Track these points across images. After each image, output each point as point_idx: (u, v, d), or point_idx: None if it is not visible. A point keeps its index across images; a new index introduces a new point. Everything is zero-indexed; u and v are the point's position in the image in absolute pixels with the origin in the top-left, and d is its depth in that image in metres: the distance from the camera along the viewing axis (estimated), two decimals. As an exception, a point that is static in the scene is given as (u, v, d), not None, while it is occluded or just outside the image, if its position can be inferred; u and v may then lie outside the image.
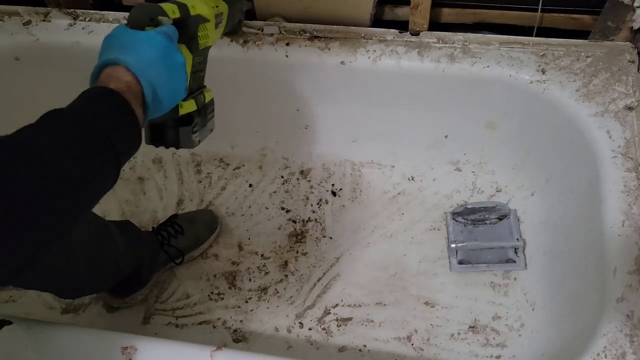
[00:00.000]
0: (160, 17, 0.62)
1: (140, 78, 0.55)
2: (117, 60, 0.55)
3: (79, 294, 1.05)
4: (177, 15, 0.65)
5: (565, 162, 1.05)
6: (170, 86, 0.60)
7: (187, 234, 1.15)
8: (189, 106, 0.68)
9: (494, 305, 1.08)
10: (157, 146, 0.69)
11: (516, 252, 1.11)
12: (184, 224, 1.16)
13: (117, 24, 0.62)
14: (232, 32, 0.87)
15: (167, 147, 0.69)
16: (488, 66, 1.05)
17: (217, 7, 0.76)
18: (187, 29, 0.67)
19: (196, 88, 0.71)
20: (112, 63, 0.55)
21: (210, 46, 0.74)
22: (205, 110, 0.72)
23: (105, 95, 0.52)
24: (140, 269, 1.06)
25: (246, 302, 1.14)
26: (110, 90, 0.52)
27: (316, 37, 1.11)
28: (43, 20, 1.17)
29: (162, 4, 0.64)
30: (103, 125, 0.50)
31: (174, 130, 0.68)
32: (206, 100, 0.72)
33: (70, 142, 0.47)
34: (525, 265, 1.10)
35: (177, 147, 0.69)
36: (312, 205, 1.25)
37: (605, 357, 0.75)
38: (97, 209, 0.96)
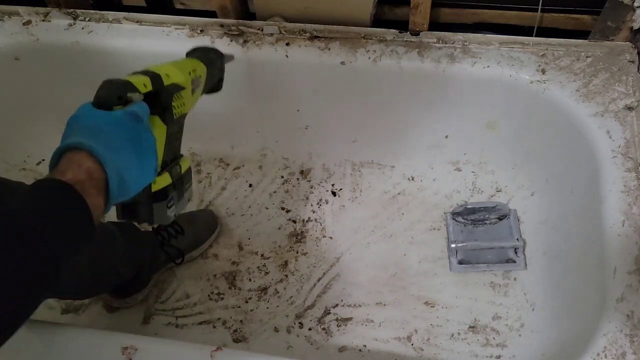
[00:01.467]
0: (130, 95, 0.57)
1: (105, 165, 0.50)
2: (79, 145, 0.50)
3: (79, 297, 1.06)
4: (150, 88, 0.61)
5: (565, 162, 1.05)
6: (138, 170, 0.56)
7: (187, 234, 1.15)
8: (163, 180, 0.63)
9: (494, 305, 1.08)
10: (127, 221, 0.64)
11: (516, 252, 1.11)
12: (184, 224, 1.16)
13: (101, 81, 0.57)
14: (212, 90, 0.83)
15: (139, 224, 0.64)
16: (488, 66, 1.05)
17: (194, 71, 0.72)
18: (160, 100, 0.63)
19: (171, 159, 0.66)
20: (75, 148, 0.50)
21: (187, 113, 0.69)
22: (181, 182, 0.67)
23: (53, 190, 0.47)
24: (140, 270, 1.06)
25: (246, 302, 1.14)
26: (60, 185, 0.47)
27: (316, 37, 1.11)
28: (43, 20, 1.17)
29: (132, 77, 0.60)
30: (42, 228, 0.44)
31: (146, 206, 0.62)
32: (182, 171, 0.67)
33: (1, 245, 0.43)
34: (525, 265, 1.10)
35: (151, 224, 0.64)
36: (312, 205, 1.25)
37: (605, 357, 0.75)
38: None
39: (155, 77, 0.62)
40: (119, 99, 0.56)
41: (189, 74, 0.70)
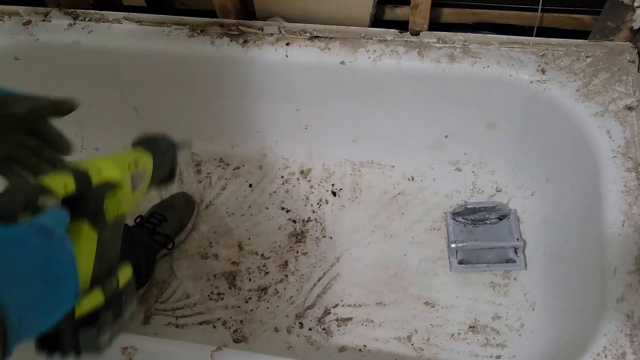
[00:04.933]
0: (40, 201, 0.44)
1: None
2: None
3: None
4: (72, 189, 0.49)
5: (565, 162, 1.05)
6: (47, 302, 0.42)
7: (171, 220, 1.18)
8: (92, 301, 0.49)
9: (494, 305, 1.08)
10: (48, 356, 0.49)
11: (516, 252, 1.11)
12: (164, 212, 1.18)
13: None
14: (162, 182, 0.72)
15: (64, 356, 0.49)
16: (488, 66, 1.05)
17: (135, 164, 0.61)
18: (88, 203, 0.51)
19: (106, 271, 0.53)
20: None
21: (127, 213, 0.58)
22: (119, 299, 0.53)
23: None
24: (137, 266, 1.07)
25: (246, 302, 1.14)
26: None
27: (316, 37, 1.11)
28: (43, 20, 1.17)
29: (49, 177, 0.48)
30: None
31: (70, 335, 0.48)
32: (121, 284, 0.54)
33: None
34: (525, 265, 1.10)
35: (77, 355, 0.50)
36: (312, 205, 1.25)
37: (605, 357, 0.75)
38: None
39: (80, 176, 0.51)
40: (27, 206, 0.43)
41: (128, 167, 0.59)
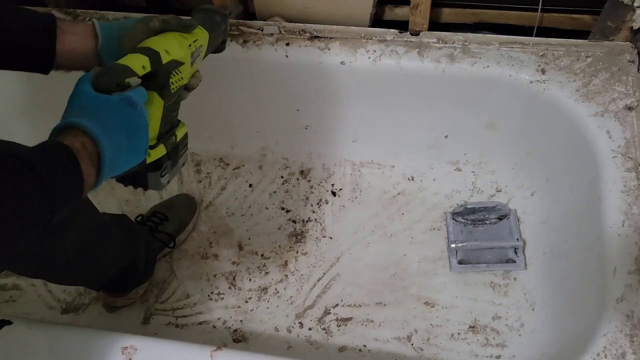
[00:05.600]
0: (127, 80, 0.60)
1: (98, 142, 0.55)
2: (77, 124, 0.55)
3: (69, 283, 1.08)
4: (148, 69, 0.63)
5: (565, 162, 1.05)
6: (128, 152, 0.60)
7: (172, 219, 1.18)
8: (158, 152, 0.66)
9: (494, 305, 1.08)
10: (125, 185, 0.68)
11: (516, 252, 1.11)
12: (166, 212, 1.19)
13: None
14: (215, 52, 0.83)
15: (135, 188, 0.69)
16: (488, 66, 1.05)
17: (195, 41, 0.72)
18: (158, 78, 0.65)
19: (167, 130, 0.68)
20: (72, 126, 0.55)
21: (186, 82, 0.71)
22: (176, 151, 0.70)
23: (57, 149, 0.54)
24: (136, 262, 1.06)
25: (246, 302, 1.14)
26: (63, 145, 0.53)
27: (316, 37, 1.11)
28: (43, 20, 1.17)
29: (131, 59, 0.63)
30: (48, 178, 0.51)
31: (141, 175, 0.66)
32: (178, 139, 0.70)
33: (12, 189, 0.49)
34: (525, 265, 1.10)
35: (145, 190, 0.69)
36: (312, 205, 1.25)
37: (605, 357, 0.75)
38: (97, 208, 0.96)
39: (154, 56, 0.64)
40: (117, 86, 0.59)
41: (189, 46, 0.70)
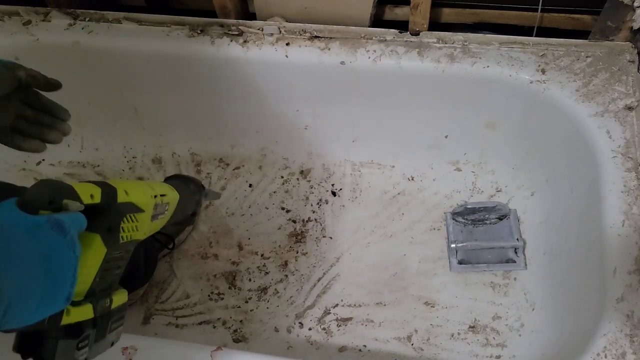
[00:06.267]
0: (66, 201, 0.47)
1: None
2: None
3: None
4: (97, 200, 0.51)
5: (565, 162, 1.05)
6: (41, 295, 0.43)
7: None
8: (81, 313, 0.50)
9: (494, 305, 1.08)
10: (24, 358, 0.49)
11: (516, 252, 1.11)
12: None
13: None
14: (182, 223, 0.75)
15: None
16: (488, 66, 1.05)
17: (162, 196, 0.63)
18: (107, 217, 0.52)
19: (102, 289, 0.53)
20: None
21: (139, 240, 0.59)
22: (106, 320, 0.54)
23: None
24: (137, 265, 1.06)
25: (246, 302, 1.14)
26: None
27: (316, 37, 1.11)
28: (43, 20, 1.17)
29: (79, 184, 0.50)
30: None
31: (50, 341, 0.48)
32: (112, 306, 0.54)
33: None
34: (525, 265, 1.10)
35: None
36: (312, 205, 1.25)
37: (605, 357, 0.75)
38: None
39: (108, 190, 0.53)
40: (50, 203, 0.46)
41: (154, 197, 0.61)
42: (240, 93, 1.20)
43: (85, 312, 0.50)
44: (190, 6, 1.27)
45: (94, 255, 0.51)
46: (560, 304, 0.99)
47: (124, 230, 0.54)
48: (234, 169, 1.32)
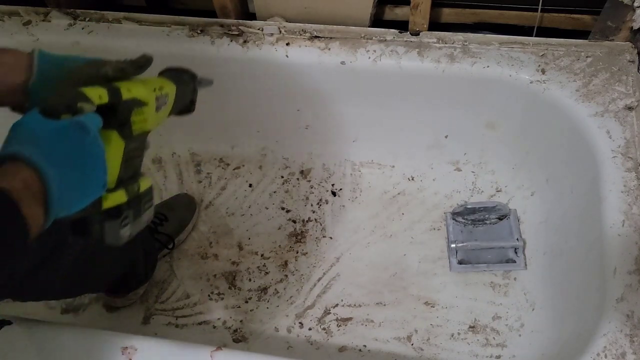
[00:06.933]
0: (80, 105, 0.54)
1: (42, 174, 0.48)
2: (16, 154, 0.48)
3: (73, 296, 1.08)
4: (105, 100, 0.57)
5: (565, 162, 1.05)
6: (82, 184, 0.52)
7: (171, 220, 1.18)
8: (117, 198, 0.59)
9: (494, 305, 1.08)
10: (81, 237, 0.60)
11: (516, 252, 1.11)
12: (165, 212, 1.18)
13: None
14: (183, 111, 0.79)
15: (91, 241, 0.61)
16: (488, 66, 1.05)
17: (160, 88, 0.68)
18: (118, 114, 0.59)
19: (128, 176, 0.62)
20: (11, 157, 0.48)
21: (150, 130, 0.66)
22: (138, 201, 0.63)
23: None
24: (136, 265, 1.06)
25: (246, 302, 1.14)
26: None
27: (316, 37, 1.11)
28: (43, 20, 1.17)
29: (87, 88, 0.56)
30: None
31: (98, 224, 0.59)
32: (141, 190, 0.63)
33: None
34: (525, 265, 1.10)
35: (103, 243, 0.60)
36: (312, 205, 1.25)
37: (605, 357, 0.75)
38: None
39: (113, 91, 0.59)
40: (68, 108, 0.53)
41: (154, 90, 0.66)
42: (240, 93, 1.20)
43: (119, 197, 0.59)
44: (190, 6, 1.27)
45: (115, 149, 0.59)
46: (560, 304, 0.99)
47: (134, 123, 0.62)
48: (234, 169, 1.32)
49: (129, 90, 0.61)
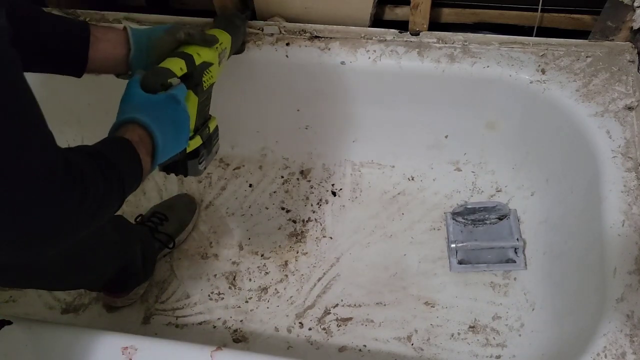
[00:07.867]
0: (169, 80, 0.72)
1: (153, 134, 0.66)
2: (134, 119, 0.66)
3: (67, 289, 1.09)
4: (185, 70, 0.75)
5: (565, 162, 1.05)
6: (175, 140, 0.72)
7: (171, 220, 1.18)
8: (195, 142, 0.78)
9: (494, 305, 1.08)
10: (168, 174, 0.81)
11: (516, 252, 1.11)
12: (166, 212, 1.19)
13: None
14: (236, 53, 0.96)
15: (177, 176, 0.81)
16: (488, 66, 1.05)
17: (220, 44, 0.83)
18: (193, 78, 0.76)
19: (202, 123, 0.80)
20: (129, 121, 0.66)
21: (216, 81, 0.82)
22: (210, 141, 0.82)
23: (121, 143, 0.64)
24: (134, 262, 1.06)
25: (246, 302, 1.14)
26: (125, 140, 0.64)
27: (316, 37, 1.11)
28: (43, 20, 1.17)
29: (170, 62, 0.74)
30: (119, 166, 0.60)
31: (182, 163, 0.79)
32: (211, 130, 0.82)
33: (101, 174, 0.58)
34: (525, 265, 1.10)
35: (186, 176, 0.81)
36: (312, 205, 1.25)
37: (605, 357, 0.75)
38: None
39: (188, 59, 0.76)
40: (162, 86, 0.71)
41: (216, 49, 0.82)
42: (240, 93, 1.20)
43: (197, 141, 0.78)
44: (190, 6, 1.27)
45: (192, 105, 0.76)
46: (560, 304, 0.99)
47: (205, 81, 0.79)
48: (234, 169, 1.32)
49: (199, 55, 0.78)
